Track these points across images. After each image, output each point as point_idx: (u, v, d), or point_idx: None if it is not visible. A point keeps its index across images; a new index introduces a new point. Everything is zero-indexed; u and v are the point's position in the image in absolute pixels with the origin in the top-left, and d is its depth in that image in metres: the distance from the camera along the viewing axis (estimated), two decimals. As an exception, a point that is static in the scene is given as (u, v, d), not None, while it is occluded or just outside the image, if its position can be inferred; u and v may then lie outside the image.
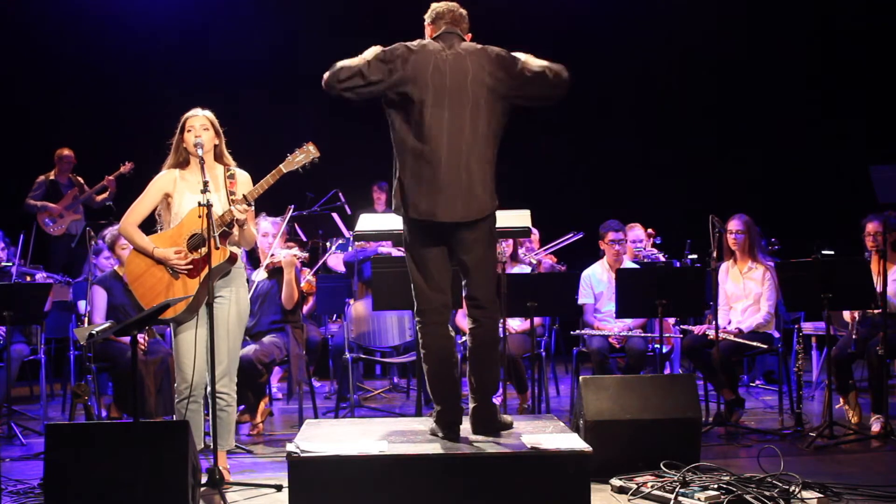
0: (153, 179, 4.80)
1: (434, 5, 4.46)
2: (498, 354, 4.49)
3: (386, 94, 4.27)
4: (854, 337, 6.01)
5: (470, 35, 4.48)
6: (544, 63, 4.34)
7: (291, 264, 6.17)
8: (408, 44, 4.32)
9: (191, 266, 4.65)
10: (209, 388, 4.64)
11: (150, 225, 4.95)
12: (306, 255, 6.23)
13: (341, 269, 8.18)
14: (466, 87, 4.25)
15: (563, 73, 4.36)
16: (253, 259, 6.72)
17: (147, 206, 4.78)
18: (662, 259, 7.58)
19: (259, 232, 6.31)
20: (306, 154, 4.75)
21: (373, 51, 4.29)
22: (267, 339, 6.27)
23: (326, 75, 4.27)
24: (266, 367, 6.23)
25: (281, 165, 4.71)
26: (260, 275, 6.37)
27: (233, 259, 4.70)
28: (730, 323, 6.37)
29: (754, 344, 6.21)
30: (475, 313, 4.38)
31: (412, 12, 4.65)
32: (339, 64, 4.25)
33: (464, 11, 4.46)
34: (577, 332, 6.68)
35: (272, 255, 6.29)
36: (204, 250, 4.58)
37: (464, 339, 6.13)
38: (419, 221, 4.28)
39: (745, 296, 6.38)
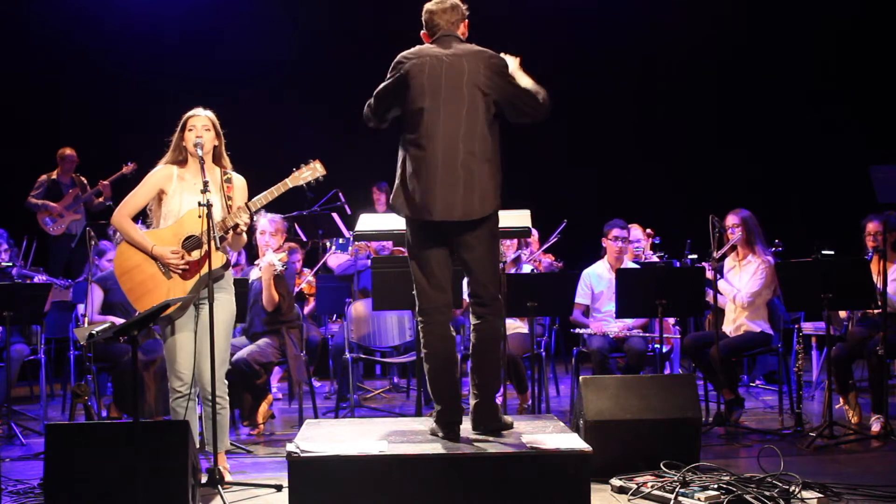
0: (150, 173, 4.78)
1: (426, 6, 4.47)
2: (501, 352, 4.49)
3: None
4: (843, 333, 6.05)
5: (466, 22, 4.47)
6: (532, 82, 4.41)
7: (267, 271, 6.17)
8: (404, 53, 4.39)
9: (186, 267, 4.64)
10: (208, 390, 4.64)
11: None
12: (283, 268, 6.22)
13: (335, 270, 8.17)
14: (462, 87, 4.27)
15: (547, 98, 4.43)
16: (255, 257, 6.72)
17: (141, 199, 4.76)
18: (657, 260, 7.60)
19: (257, 229, 6.32)
20: (313, 171, 4.79)
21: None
22: (262, 341, 6.26)
23: (364, 116, 4.47)
24: (263, 368, 6.22)
25: (287, 179, 4.75)
26: (255, 274, 6.37)
27: (227, 264, 4.72)
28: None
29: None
30: (478, 311, 4.39)
31: (412, 15, 4.65)
32: (366, 105, 4.45)
33: (456, 2, 4.44)
34: (578, 330, 6.69)
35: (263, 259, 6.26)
36: (198, 252, 4.59)
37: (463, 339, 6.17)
38: (420, 221, 4.29)
39: (739, 288, 6.39)
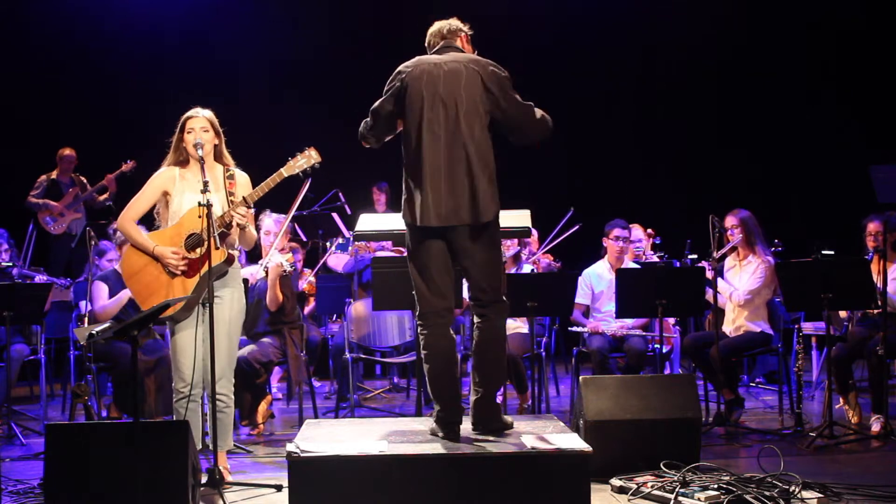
0: (152, 176, 4.80)
1: (429, 30, 4.52)
2: (501, 352, 4.50)
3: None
4: (843, 333, 6.06)
5: (467, 36, 4.49)
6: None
7: (275, 271, 6.17)
8: (404, 64, 4.41)
9: (186, 267, 4.65)
10: (209, 389, 4.64)
11: (148, 224, 4.94)
12: (292, 269, 6.22)
13: (340, 269, 8.17)
14: (460, 92, 4.28)
15: (550, 121, 4.45)
16: (255, 256, 6.72)
17: (145, 202, 4.78)
18: (658, 260, 7.59)
19: (262, 229, 6.31)
20: (307, 158, 4.76)
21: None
22: (262, 339, 6.26)
23: (359, 135, 4.50)
24: (264, 367, 6.23)
25: (282, 169, 4.72)
26: (259, 273, 6.37)
27: (230, 260, 4.71)
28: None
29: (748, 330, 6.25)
30: (479, 311, 4.40)
31: (410, 15, 4.66)
32: (362, 122, 4.47)
33: (455, 24, 4.49)
34: (575, 328, 6.70)
35: (270, 258, 6.27)
36: (200, 250, 4.59)
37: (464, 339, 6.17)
38: (421, 227, 4.30)
39: (736, 287, 6.41)
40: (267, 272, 6.29)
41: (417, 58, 4.43)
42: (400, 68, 4.40)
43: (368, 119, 4.45)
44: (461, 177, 4.25)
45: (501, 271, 4.58)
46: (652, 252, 7.81)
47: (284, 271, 6.15)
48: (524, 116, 4.40)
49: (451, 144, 4.26)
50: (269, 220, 6.42)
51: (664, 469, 4.51)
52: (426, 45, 4.53)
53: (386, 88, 4.41)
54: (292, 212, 6.27)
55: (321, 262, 8.10)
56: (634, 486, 4.41)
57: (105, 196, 9.25)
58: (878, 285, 5.79)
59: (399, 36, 4.81)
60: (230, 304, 4.76)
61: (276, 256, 6.17)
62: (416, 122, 4.30)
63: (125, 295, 6.31)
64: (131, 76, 9.92)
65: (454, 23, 4.50)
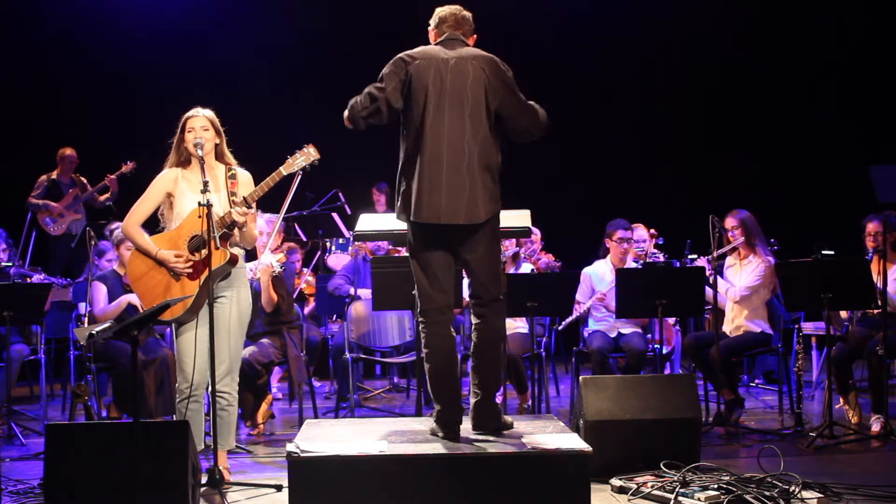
0: (155, 179, 4.80)
1: (438, 10, 4.49)
2: (501, 352, 4.49)
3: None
4: (843, 333, 6.07)
5: (475, 37, 4.49)
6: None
7: (265, 273, 6.16)
8: (408, 52, 4.37)
9: (191, 269, 4.65)
10: (224, 390, 4.65)
11: (153, 225, 4.94)
12: (281, 270, 6.21)
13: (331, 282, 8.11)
14: (466, 89, 4.27)
15: (547, 119, 4.44)
16: (254, 256, 6.71)
17: (149, 206, 4.78)
18: (662, 260, 7.58)
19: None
20: (306, 156, 4.76)
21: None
22: (262, 340, 6.26)
23: (346, 115, 4.39)
24: (265, 368, 6.23)
25: (281, 168, 4.72)
26: (250, 267, 6.36)
27: (233, 260, 4.70)
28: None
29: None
30: (479, 311, 4.40)
31: (410, 15, 4.65)
32: (351, 101, 4.36)
33: (467, 14, 4.48)
34: (562, 326, 6.74)
35: (261, 260, 6.25)
36: (205, 251, 4.59)
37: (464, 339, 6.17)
38: (422, 224, 4.29)
39: (733, 284, 6.41)
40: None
41: (423, 48, 4.38)
42: (404, 56, 4.33)
43: (364, 101, 4.31)
44: (462, 176, 4.24)
45: (501, 270, 4.58)
46: (656, 251, 7.80)
47: (274, 272, 6.14)
48: (526, 116, 4.39)
49: (454, 143, 4.24)
50: (261, 220, 6.41)
51: (664, 469, 4.51)
52: (433, 26, 4.46)
53: (388, 73, 4.30)
54: (283, 211, 6.26)
55: (315, 258, 8.08)
56: (634, 486, 4.41)
57: (106, 196, 9.25)
58: (878, 285, 5.79)
59: (400, 35, 4.79)
60: (236, 303, 4.76)
61: (267, 257, 6.16)
62: (418, 116, 4.27)
63: (125, 300, 6.31)
64: (131, 76, 9.91)
65: (466, 15, 4.45)
